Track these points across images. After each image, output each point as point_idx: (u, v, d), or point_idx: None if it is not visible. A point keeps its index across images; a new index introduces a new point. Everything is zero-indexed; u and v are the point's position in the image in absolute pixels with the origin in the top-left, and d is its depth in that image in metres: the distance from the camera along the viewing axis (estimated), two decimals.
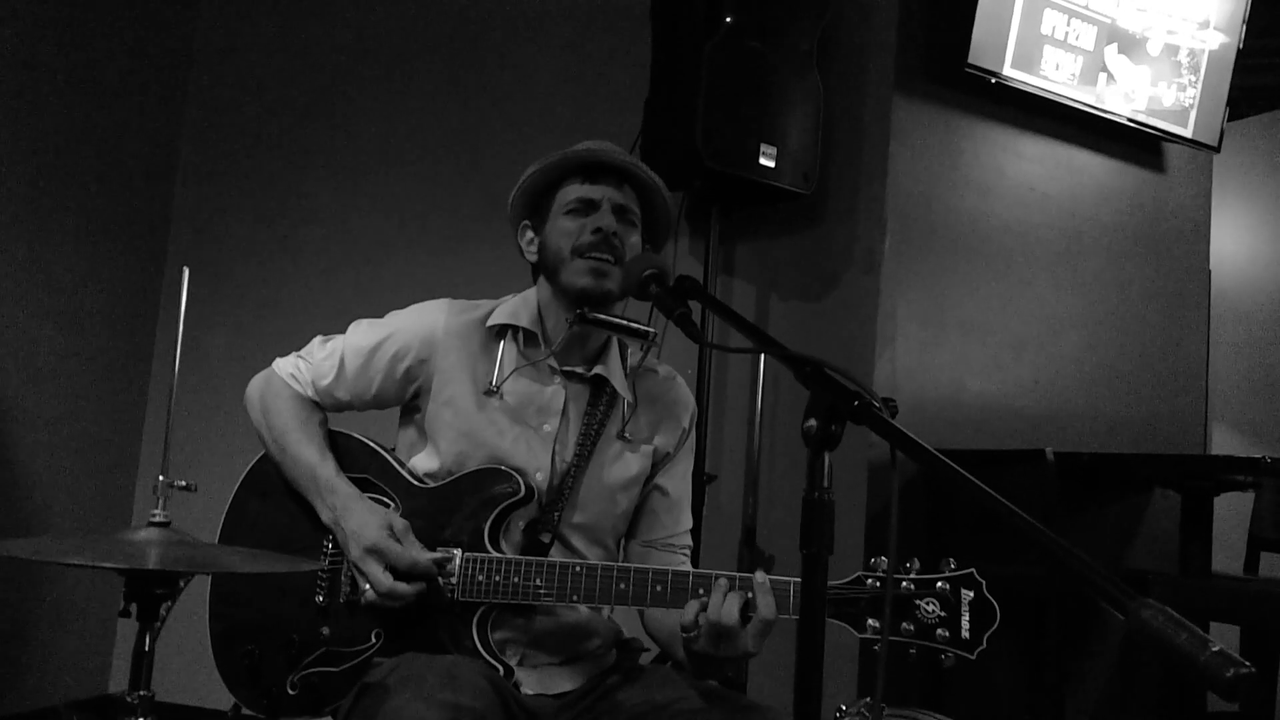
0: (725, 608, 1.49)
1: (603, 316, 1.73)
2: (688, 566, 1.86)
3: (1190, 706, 3.02)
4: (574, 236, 1.74)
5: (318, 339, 1.87)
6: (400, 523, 1.67)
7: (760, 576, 1.52)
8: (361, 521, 1.66)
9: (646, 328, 1.74)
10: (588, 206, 1.76)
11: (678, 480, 1.88)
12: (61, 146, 3.23)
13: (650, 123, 3.03)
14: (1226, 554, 3.20)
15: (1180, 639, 0.76)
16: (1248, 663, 0.73)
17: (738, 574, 1.55)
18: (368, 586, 1.64)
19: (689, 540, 1.89)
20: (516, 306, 1.82)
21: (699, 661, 1.59)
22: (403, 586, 1.62)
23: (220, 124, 3.70)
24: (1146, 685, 3.44)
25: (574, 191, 1.77)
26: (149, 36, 3.57)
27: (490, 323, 1.80)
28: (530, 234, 1.83)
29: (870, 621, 1.46)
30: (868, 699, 1.70)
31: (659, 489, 1.86)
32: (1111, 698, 3.44)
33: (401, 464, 1.79)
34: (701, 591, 1.54)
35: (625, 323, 1.73)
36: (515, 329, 1.80)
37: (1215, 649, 0.75)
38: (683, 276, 1.53)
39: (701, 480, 2.88)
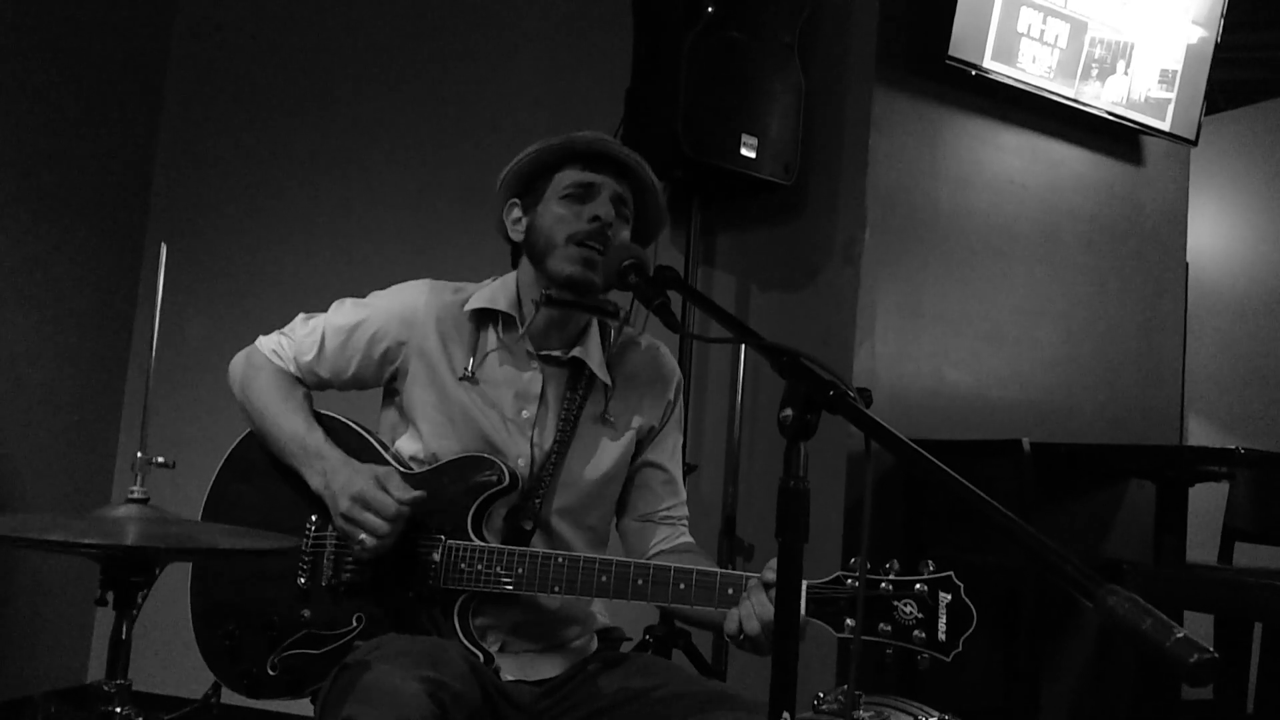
0: (759, 609, 1.48)
1: (570, 298, 1.72)
2: (689, 538, 1.87)
3: (1164, 695, 3.06)
4: (569, 223, 1.72)
5: (300, 316, 1.87)
6: (383, 469, 1.67)
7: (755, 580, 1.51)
8: (348, 478, 1.67)
9: (612, 305, 1.73)
10: (586, 192, 1.73)
11: (669, 453, 1.88)
12: (40, 127, 3.20)
13: (632, 112, 3.03)
14: (1201, 544, 3.24)
15: (1145, 625, 0.77)
16: (1211, 648, 0.74)
17: (745, 574, 1.53)
18: (363, 536, 1.63)
19: (686, 511, 1.89)
20: (495, 291, 1.80)
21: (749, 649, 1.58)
22: (385, 527, 1.62)
23: (200, 105, 3.68)
24: (1121, 674, 3.48)
25: (573, 176, 1.74)
26: (129, 18, 3.55)
27: (468, 307, 1.78)
28: (518, 213, 1.81)
29: (848, 621, 1.46)
30: (845, 686, 1.71)
31: (652, 464, 1.86)
32: (1087, 686, 3.47)
33: (385, 448, 1.78)
34: (731, 590, 1.53)
35: (592, 302, 1.72)
36: (495, 313, 1.79)
37: (1179, 635, 0.76)
38: (662, 266, 1.53)
39: (683, 470, 2.88)
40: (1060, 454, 3.08)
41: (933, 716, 1.70)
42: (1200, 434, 4.96)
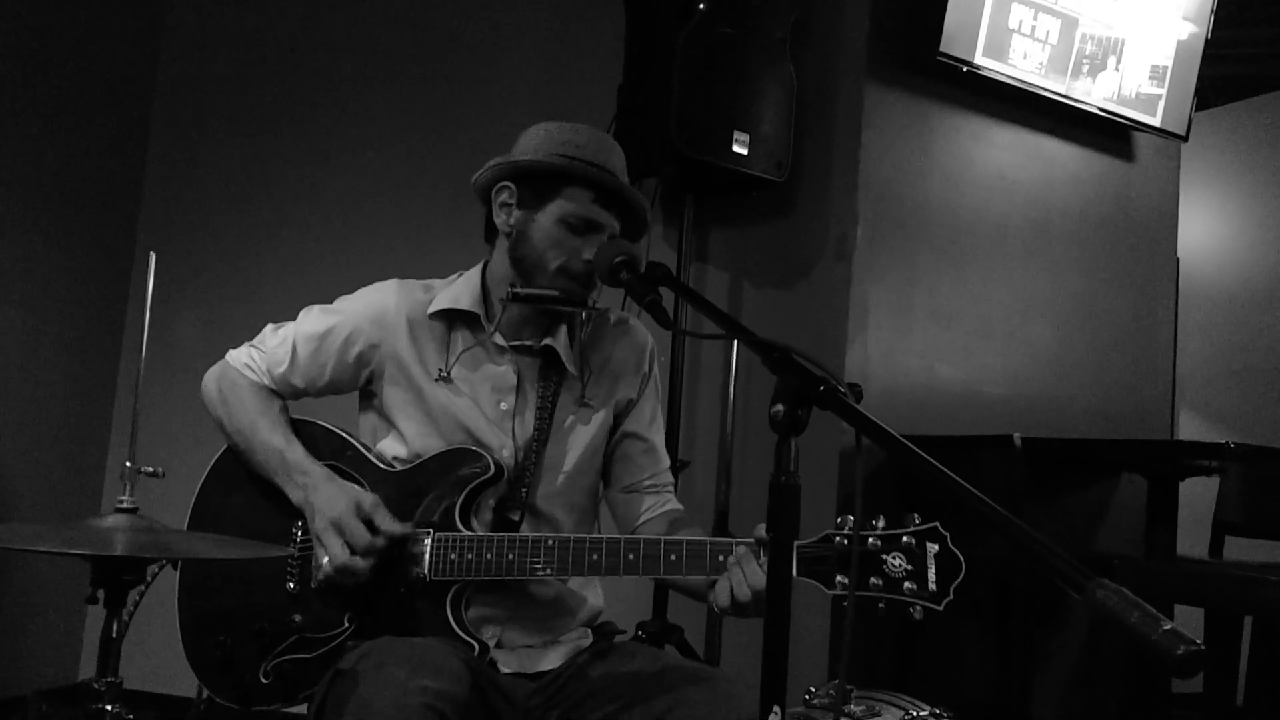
0: (750, 576, 1.49)
1: (537, 292, 1.72)
2: (676, 504, 1.88)
3: (1155, 688, 3.07)
4: (567, 255, 1.71)
5: (269, 327, 1.87)
6: (369, 498, 1.67)
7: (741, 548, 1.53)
8: (330, 497, 1.67)
9: (581, 293, 1.73)
10: (589, 229, 1.72)
11: (647, 422, 1.89)
12: (29, 133, 3.19)
13: (624, 109, 3.03)
14: (1192, 538, 3.25)
15: (1133, 618, 0.78)
16: (1198, 641, 0.75)
17: (735, 540, 1.55)
18: (325, 560, 1.64)
19: (670, 478, 1.91)
20: (459, 289, 1.80)
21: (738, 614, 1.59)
22: (358, 562, 1.63)
23: (190, 110, 3.66)
24: (1112, 667, 3.50)
25: (583, 206, 1.72)
26: (118, 21, 3.53)
27: (432, 309, 1.78)
28: (507, 197, 1.77)
29: (839, 579, 1.48)
30: (836, 681, 1.72)
31: (631, 434, 1.87)
32: (1078, 679, 3.48)
33: (368, 449, 1.79)
34: (722, 557, 1.54)
35: (561, 295, 1.73)
36: (458, 313, 1.79)
37: (1167, 627, 0.76)
38: (653, 263, 1.54)
39: (675, 466, 2.88)
40: (1052, 449, 3.08)
41: (924, 710, 1.71)
42: (1191, 428, 4.98)
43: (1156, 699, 3.07)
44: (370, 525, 1.64)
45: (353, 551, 1.63)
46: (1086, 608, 0.81)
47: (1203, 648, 0.75)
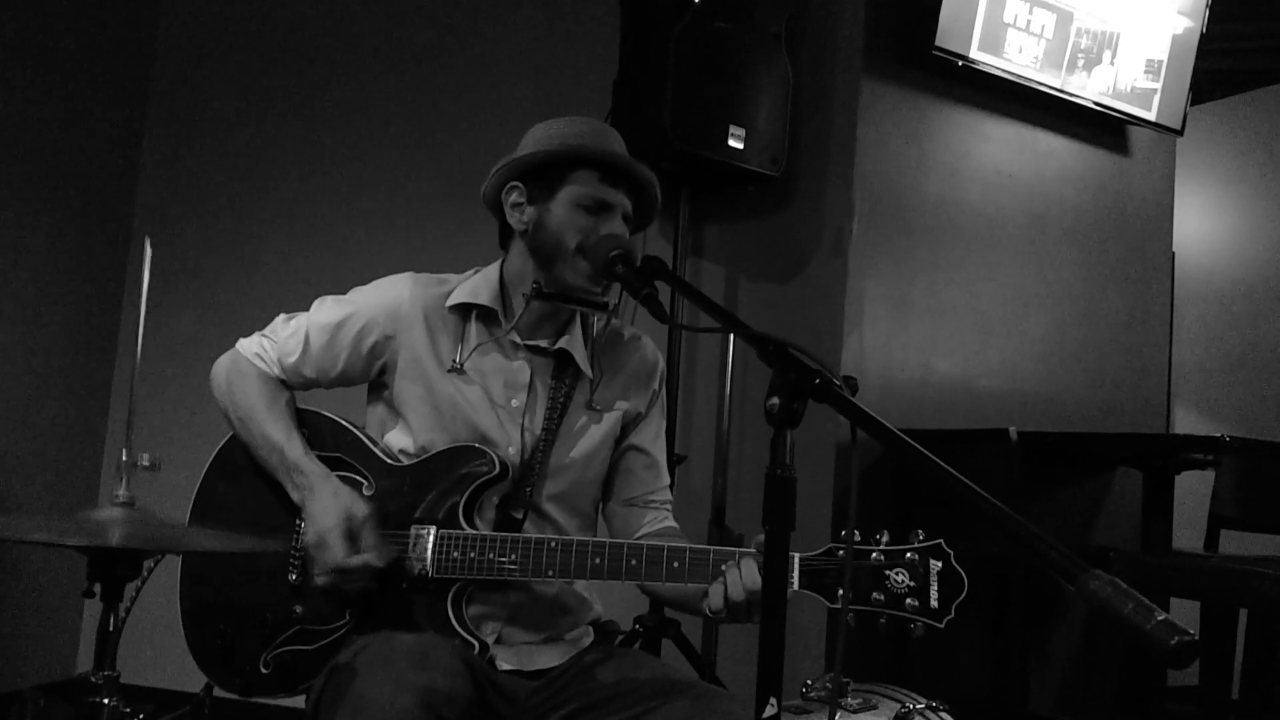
0: (747, 578, 1.50)
1: (561, 292, 1.72)
2: (673, 523, 1.88)
3: (1150, 681, 3.08)
4: (585, 235, 1.69)
5: (281, 317, 1.85)
6: (361, 511, 1.66)
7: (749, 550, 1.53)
8: (323, 507, 1.66)
9: (604, 299, 1.74)
10: (602, 209, 1.72)
11: (652, 438, 1.89)
12: (24, 121, 3.18)
13: (619, 104, 3.03)
14: (1187, 531, 3.26)
15: (1127, 609, 0.78)
16: (1191, 631, 0.75)
17: (738, 550, 1.55)
18: (316, 573, 1.66)
19: (669, 495, 1.91)
20: (477, 284, 1.80)
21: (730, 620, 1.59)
22: (346, 579, 1.64)
23: (186, 99, 3.66)
24: (1108, 661, 3.51)
25: (593, 188, 1.72)
26: (114, 9, 3.52)
27: (450, 303, 1.78)
28: (518, 197, 1.77)
29: (841, 592, 1.48)
30: (832, 674, 1.72)
31: (636, 448, 1.87)
32: (1074, 673, 3.50)
33: (374, 442, 1.79)
34: (724, 566, 1.54)
35: (583, 296, 1.73)
36: (476, 307, 1.79)
37: (1160, 618, 0.77)
38: (649, 256, 1.54)
39: (671, 461, 2.88)
40: (1048, 443, 3.09)
41: (920, 703, 1.71)
42: (1186, 422, 4.99)
43: (1152, 692, 3.08)
44: (354, 542, 1.64)
45: (338, 570, 1.64)
46: (1081, 599, 0.81)
47: (1196, 638, 0.75)
